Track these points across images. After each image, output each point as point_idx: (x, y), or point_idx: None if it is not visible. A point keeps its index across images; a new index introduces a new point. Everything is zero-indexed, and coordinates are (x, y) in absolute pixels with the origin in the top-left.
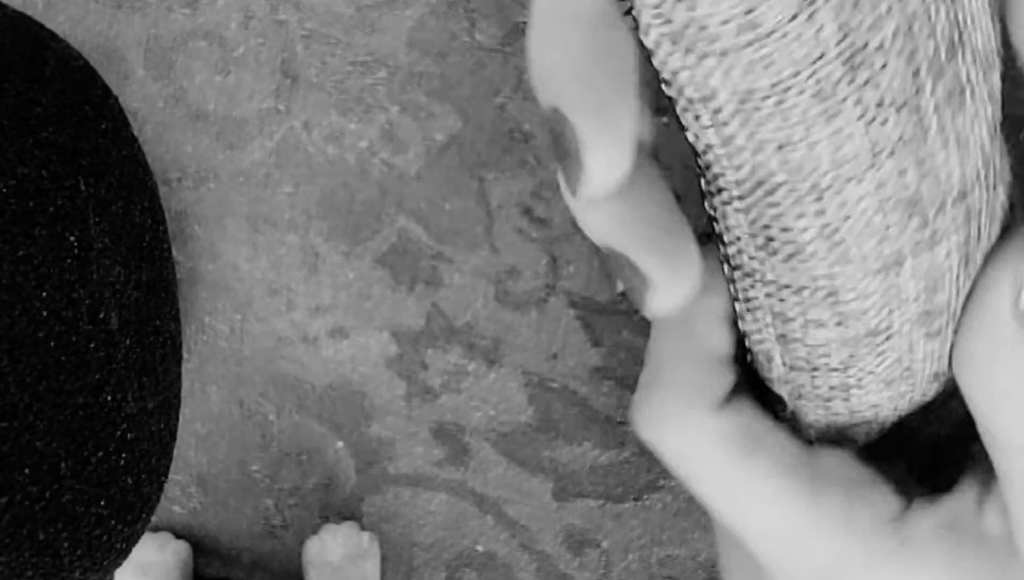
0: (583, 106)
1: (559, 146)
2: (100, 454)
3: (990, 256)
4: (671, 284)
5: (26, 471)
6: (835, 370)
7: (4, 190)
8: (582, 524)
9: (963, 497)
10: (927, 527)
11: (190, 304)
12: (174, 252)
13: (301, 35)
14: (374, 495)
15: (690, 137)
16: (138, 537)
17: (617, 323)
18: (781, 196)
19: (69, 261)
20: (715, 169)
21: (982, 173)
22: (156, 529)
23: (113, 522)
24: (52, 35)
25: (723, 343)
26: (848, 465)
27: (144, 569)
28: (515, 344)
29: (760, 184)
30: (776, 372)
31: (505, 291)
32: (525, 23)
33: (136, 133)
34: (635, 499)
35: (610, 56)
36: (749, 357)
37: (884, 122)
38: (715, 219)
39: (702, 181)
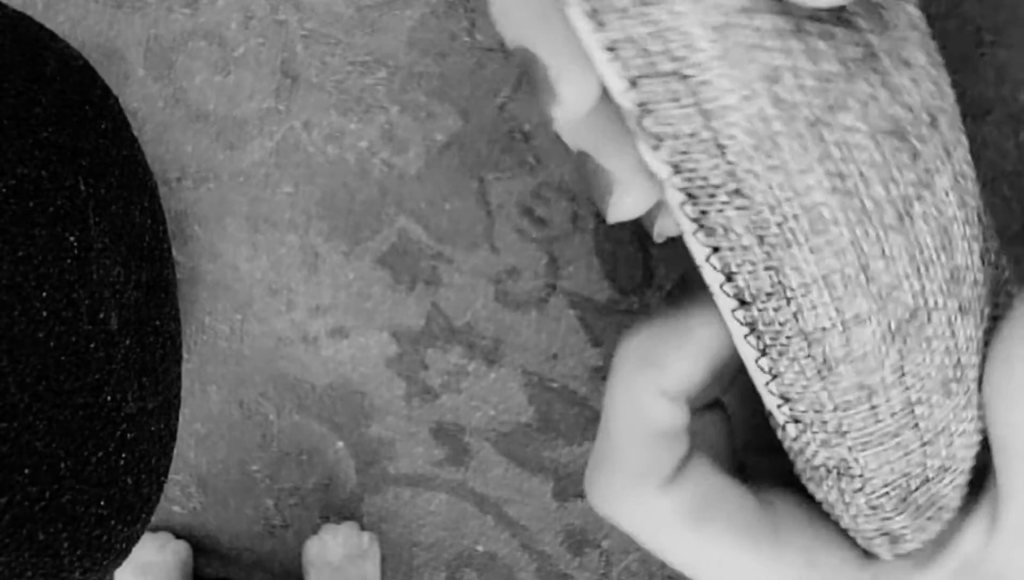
0: (547, 42)
1: (531, 79)
2: (100, 454)
3: None
4: (633, 185)
5: (26, 471)
6: (891, 386)
7: (4, 190)
8: (582, 524)
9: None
10: (901, 560)
11: (190, 304)
12: (174, 252)
13: (301, 35)
14: (374, 495)
15: (668, 141)
16: (138, 537)
17: (617, 323)
18: (781, 148)
19: (69, 261)
20: (702, 169)
21: (939, 103)
22: (156, 529)
23: (113, 522)
24: (52, 35)
25: (671, 417)
26: (806, 510)
27: (144, 569)
28: (515, 344)
29: (758, 147)
30: (830, 422)
31: (505, 291)
32: None
33: (136, 133)
34: None
35: None
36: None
37: (835, 37)
38: (729, 249)
39: (691, 216)
